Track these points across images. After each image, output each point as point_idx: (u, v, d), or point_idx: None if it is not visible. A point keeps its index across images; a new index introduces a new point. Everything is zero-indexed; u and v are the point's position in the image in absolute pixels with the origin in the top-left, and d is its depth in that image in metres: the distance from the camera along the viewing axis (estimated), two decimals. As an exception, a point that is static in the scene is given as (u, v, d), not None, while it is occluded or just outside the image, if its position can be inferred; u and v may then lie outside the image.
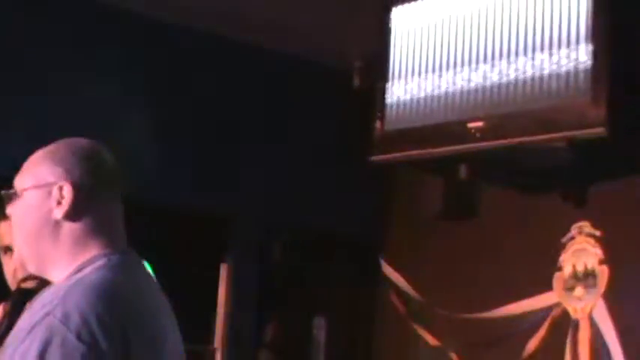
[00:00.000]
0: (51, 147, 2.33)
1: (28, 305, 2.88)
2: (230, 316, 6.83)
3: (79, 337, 2.03)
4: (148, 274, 2.40)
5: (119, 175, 2.38)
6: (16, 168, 2.35)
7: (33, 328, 2.07)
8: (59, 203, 2.25)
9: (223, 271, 6.90)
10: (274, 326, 7.59)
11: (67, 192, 2.25)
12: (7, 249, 3.04)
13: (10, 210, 2.33)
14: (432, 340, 6.38)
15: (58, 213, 2.24)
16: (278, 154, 6.80)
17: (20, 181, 2.31)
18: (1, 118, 5.82)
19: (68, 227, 2.26)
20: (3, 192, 2.33)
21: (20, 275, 2.89)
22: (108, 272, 2.21)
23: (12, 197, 2.31)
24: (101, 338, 2.04)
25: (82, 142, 2.35)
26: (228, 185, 6.69)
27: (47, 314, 2.07)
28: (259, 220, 6.89)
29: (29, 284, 2.64)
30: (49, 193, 2.25)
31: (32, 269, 2.33)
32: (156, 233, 6.46)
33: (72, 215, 2.25)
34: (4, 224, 2.94)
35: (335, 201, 6.90)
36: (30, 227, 2.28)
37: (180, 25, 6.37)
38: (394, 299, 6.78)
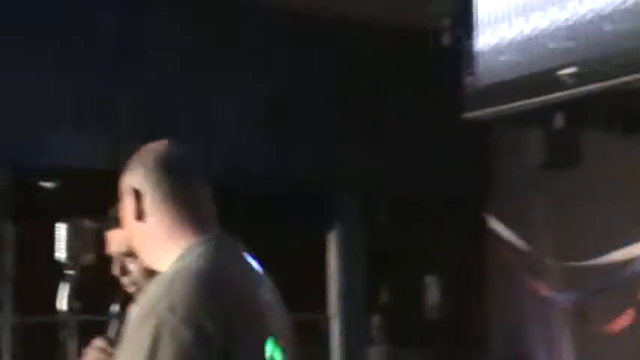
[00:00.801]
0: (136, 154, 2.48)
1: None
2: (342, 284, 6.92)
3: (185, 324, 2.12)
4: (244, 254, 2.46)
5: (199, 167, 2.48)
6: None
7: (144, 318, 2.18)
8: (138, 206, 2.40)
9: (332, 239, 6.98)
10: (386, 290, 7.65)
11: (146, 194, 2.40)
12: (129, 254, 3.18)
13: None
14: (543, 291, 6.36)
15: (139, 215, 2.40)
16: (376, 121, 6.84)
17: (119, 194, 2.50)
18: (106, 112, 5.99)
19: (153, 224, 2.40)
20: (110, 211, 2.47)
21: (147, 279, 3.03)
22: (206, 259, 2.30)
23: (117, 211, 2.56)
24: (206, 323, 2.13)
25: (158, 144, 2.49)
26: (330, 156, 6.78)
27: (155, 305, 2.18)
28: (364, 187, 6.97)
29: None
30: (137, 198, 2.40)
31: (146, 264, 2.50)
32: (265, 208, 6.57)
33: (154, 213, 2.39)
34: (111, 233, 3.08)
35: (436, 162, 6.94)
36: (130, 231, 2.46)
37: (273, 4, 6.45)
38: (503, 253, 6.76)
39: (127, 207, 2.44)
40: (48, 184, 6.26)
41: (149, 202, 2.39)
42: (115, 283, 2.75)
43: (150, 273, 3.02)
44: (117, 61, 6.16)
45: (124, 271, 3.06)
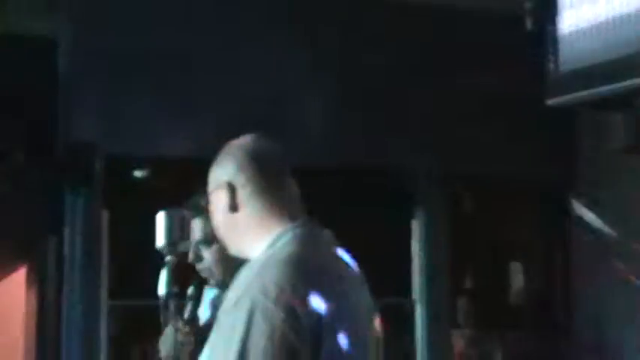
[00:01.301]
0: (224, 150, 2.61)
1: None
2: (426, 268, 6.95)
3: (277, 305, 2.23)
4: (330, 241, 2.55)
5: (284, 159, 2.60)
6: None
7: (238, 300, 2.29)
8: (232, 198, 2.51)
9: (417, 225, 7.02)
10: (471, 275, 7.66)
11: (238, 186, 2.51)
12: (204, 242, 3.30)
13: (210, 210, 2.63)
14: (630, 276, 6.30)
15: (233, 207, 2.51)
16: (461, 108, 6.85)
17: (209, 186, 2.62)
18: (191, 104, 6.12)
19: (246, 215, 2.52)
20: (202, 202, 2.58)
21: (220, 265, 3.15)
22: (296, 245, 2.42)
23: (208, 202, 2.63)
24: (297, 304, 2.24)
25: (248, 139, 2.61)
26: (416, 143, 6.82)
27: (248, 288, 2.29)
28: (449, 174, 6.97)
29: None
30: (225, 191, 2.52)
31: (233, 252, 2.60)
32: (351, 196, 6.64)
33: (246, 204, 2.51)
34: (197, 220, 3.21)
35: (520, 149, 6.90)
36: (219, 222, 2.58)
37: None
38: (588, 238, 6.72)
39: (218, 199, 2.56)
40: (142, 173, 6.39)
41: (242, 195, 2.51)
42: (191, 267, 2.83)
43: (222, 261, 3.14)
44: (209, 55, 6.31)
45: (198, 258, 3.17)
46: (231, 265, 3.11)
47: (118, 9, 6.18)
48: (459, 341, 7.29)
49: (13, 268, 8.32)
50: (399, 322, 6.87)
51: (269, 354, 2.19)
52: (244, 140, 2.60)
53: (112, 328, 6.24)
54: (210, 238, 2.78)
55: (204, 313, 3.41)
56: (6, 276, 8.31)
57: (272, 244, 2.44)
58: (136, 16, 6.23)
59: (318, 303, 2.28)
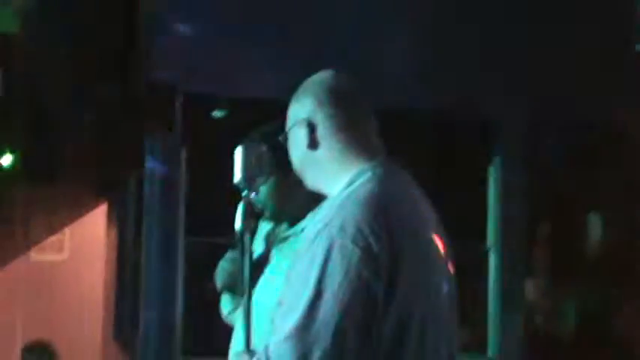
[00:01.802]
0: (302, 85, 2.57)
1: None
2: (502, 215, 6.93)
3: (354, 243, 2.24)
4: (410, 181, 2.53)
5: (364, 96, 2.56)
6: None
7: (315, 238, 2.29)
8: (311, 135, 2.49)
9: (494, 170, 7.00)
10: (547, 224, 7.61)
11: (317, 123, 2.48)
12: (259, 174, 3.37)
13: (288, 146, 2.60)
14: None
15: (311, 144, 2.49)
16: (544, 52, 6.77)
17: (287, 122, 2.59)
18: (274, 44, 6.15)
19: (324, 152, 2.49)
20: (280, 137, 2.60)
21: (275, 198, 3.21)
22: (375, 184, 2.39)
23: (286, 138, 2.59)
24: (373, 243, 2.24)
25: (326, 75, 2.57)
26: (497, 86, 6.77)
27: (326, 226, 2.29)
28: (528, 118, 6.93)
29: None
30: (303, 128, 2.50)
31: (311, 189, 2.58)
32: (427, 138, 6.64)
33: (325, 142, 2.49)
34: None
35: (601, 95, 6.80)
36: (297, 159, 2.56)
37: None
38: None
39: (297, 136, 2.53)
40: (221, 113, 6.45)
41: (321, 132, 2.48)
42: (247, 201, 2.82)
43: (278, 194, 3.16)
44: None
45: (255, 191, 3.22)
46: (288, 198, 3.15)
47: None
48: (532, 290, 7.26)
49: (94, 206, 8.49)
50: (472, 269, 6.88)
51: (345, 291, 2.21)
52: (323, 75, 2.57)
53: (189, 264, 6.33)
54: (267, 170, 2.79)
55: (257, 247, 3.44)
56: (87, 212, 8.48)
57: (350, 182, 2.43)
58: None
59: (394, 243, 2.27)
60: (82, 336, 8.07)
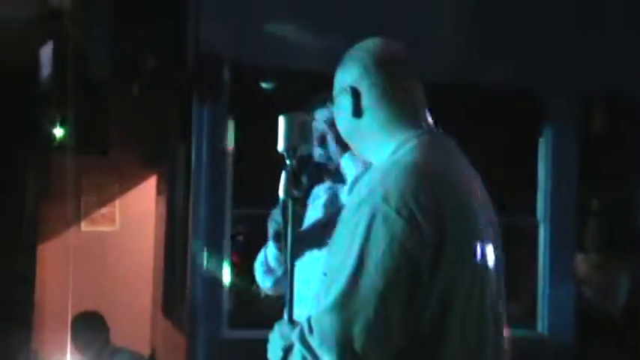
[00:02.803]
0: (350, 52, 2.56)
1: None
2: (552, 188, 6.88)
3: (398, 213, 2.23)
4: (457, 151, 2.52)
5: (413, 67, 2.55)
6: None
7: (360, 205, 2.29)
8: (356, 103, 2.49)
9: (543, 143, 6.94)
10: (598, 197, 7.54)
11: (363, 91, 2.48)
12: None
13: (334, 112, 2.63)
14: None
15: (356, 112, 2.49)
16: (591, 28, 6.75)
17: (334, 89, 2.59)
18: (322, 15, 6.12)
19: (370, 120, 2.49)
20: (328, 103, 2.59)
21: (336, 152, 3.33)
22: (420, 152, 2.39)
23: (333, 103, 2.61)
24: (418, 213, 2.23)
25: (373, 42, 2.56)
26: (547, 61, 6.72)
27: (370, 194, 2.29)
28: (579, 92, 6.88)
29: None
30: (349, 96, 2.50)
31: (358, 155, 2.64)
32: (477, 109, 6.60)
33: (370, 109, 2.48)
34: (318, 112, 3.31)
35: None
36: (342, 126, 2.57)
37: None
38: None
39: (342, 103, 2.53)
40: (269, 84, 6.44)
41: (366, 100, 2.48)
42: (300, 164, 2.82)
43: (345, 149, 3.17)
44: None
45: (324, 142, 3.19)
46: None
47: None
48: (582, 264, 7.21)
49: (145, 175, 8.54)
50: (521, 242, 6.85)
51: (387, 260, 2.20)
52: (370, 43, 2.56)
53: (233, 235, 6.36)
54: (309, 139, 2.80)
55: (316, 213, 3.44)
56: (137, 185, 8.54)
57: (395, 151, 2.42)
58: None
59: (440, 213, 2.25)
60: (131, 306, 8.14)
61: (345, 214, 2.35)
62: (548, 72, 6.76)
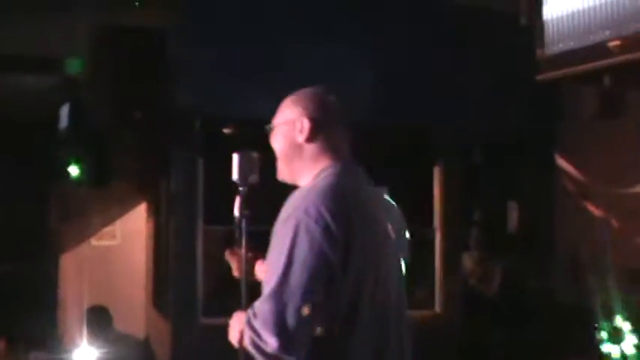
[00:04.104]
0: (293, 95, 2.51)
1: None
2: (444, 203, 6.90)
3: (316, 223, 2.21)
4: (364, 177, 2.48)
5: (342, 110, 2.51)
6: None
7: (287, 219, 2.27)
8: (301, 132, 2.42)
9: (436, 171, 6.98)
10: (479, 210, 7.60)
11: (305, 124, 2.42)
12: None
13: (271, 140, 2.53)
14: (596, 212, 6.21)
15: (300, 138, 2.42)
16: (469, 81, 6.75)
17: (275, 120, 2.52)
18: (271, 78, 6.12)
19: (307, 148, 2.44)
20: (267, 127, 2.54)
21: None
22: (335, 177, 2.36)
23: (271, 131, 2.52)
24: (331, 223, 2.21)
25: (314, 89, 2.52)
26: (437, 108, 6.73)
27: (295, 209, 2.27)
28: (462, 131, 6.88)
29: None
30: (293, 126, 2.43)
31: (286, 179, 2.52)
32: (388, 145, 6.61)
33: (310, 139, 2.43)
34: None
35: (517, 112, 6.79)
36: (282, 150, 2.48)
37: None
38: (567, 183, 6.63)
39: (283, 132, 2.45)
40: (230, 130, 6.41)
41: (306, 132, 2.41)
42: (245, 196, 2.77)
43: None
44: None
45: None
46: None
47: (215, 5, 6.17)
48: (468, 261, 7.24)
49: (138, 202, 8.45)
50: (422, 245, 6.85)
51: (309, 260, 2.18)
52: (311, 89, 2.51)
53: (207, 247, 6.27)
54: (256, 171, 2.73)
55: None
56: (132, 209, 8.45)
57: (318, 175, 2.39)
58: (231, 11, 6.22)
59: (349, 223, 2.23)
60: (129, 301, 8.03)
61: (277, 226, 2.32)
62: (440, 117, 6.77)
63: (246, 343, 2.22)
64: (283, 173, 2.51)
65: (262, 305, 2.19)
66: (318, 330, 2.20)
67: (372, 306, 2.28)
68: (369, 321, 2.26)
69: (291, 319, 2.14)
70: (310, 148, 2.42)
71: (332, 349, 2.22)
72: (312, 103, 2.44)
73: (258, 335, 2.17)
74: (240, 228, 2.67)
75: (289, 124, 2.44)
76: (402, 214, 2.56)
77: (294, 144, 2.44)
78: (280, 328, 2.14)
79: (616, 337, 5.22)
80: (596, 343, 5.36)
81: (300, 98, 2.46)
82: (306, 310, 2.15)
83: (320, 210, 2.22)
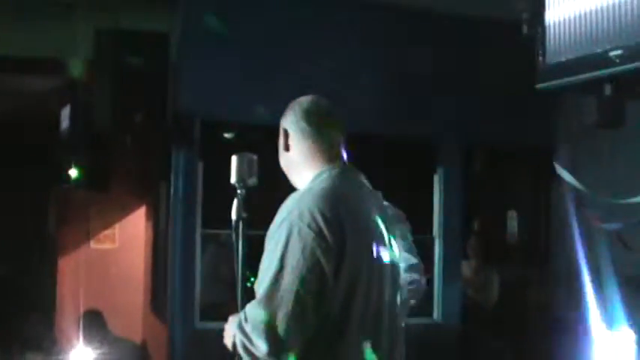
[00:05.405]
0: (290, 104, 2.57)
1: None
2: (444, 213, 6.89)
3: (309, 227, 2.23)
4: (361, 182, 2.51)
5: (335, 115, 2.55)
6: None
7: (282, 222, 2.29)
8: (285, 141, 2.52)
9: (437, 179, 6.97)
10: (478, 219, 7.59)
11: (292, 133, 2.50)
12: None
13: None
14: (595, 221, 6.19)
15: (287, 147, 2.51)
16: (471, 89, 6.75)
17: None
18: (271, 83, 6.10)
19: (292, 156, 2.51)
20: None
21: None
22: (329, 181, 2.39)
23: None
24: (324, 227, 2.23)
25: (309, 98, 2.57)
26: (437, 117, 6.74)
27: (289, 214, 2.29)
28: (463, 140, 6.89)
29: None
30: (285, 135, 2.51)
31: (293, 184, 2.57)
32: (388, 153, 6.61)
33: (296, 147, 2.49)
34: None
35: (518, 121, 6.77)
36: (280, 160, 2.58)
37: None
38: (566, 193, 6.61)
39: (279, 141, 2.54)
40: (229, 134, 6.41)
41: (292, 139, 2.49)
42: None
43: None
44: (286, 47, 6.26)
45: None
46: None
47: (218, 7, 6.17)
48: (466, 269, 7.23)
49: (136, 207, 8.44)
50: (421, 252, 6.83)
51: (301, 263, 2.20)
52: (303, 98, 2.57)
53: (205, 249, 6.25)
54: (255, 173, 2.76)
55: None
56: (131, 212, 8.44)
57: (313, 180, 2.42)
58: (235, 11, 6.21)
59: (341, 228, 2.24)
60: (127, 305, 8.04)
61: (271, 229, 2.33)
62: (440, 126, 6.77)
63: (238, 346, 2.23)
64: (289, 179, 2.59)
65: (253, 309, 2.20)
66: (309, 334, 2.20)
67: (365, 311, 2.29)
68: (360, 326, 2.27)
69: (281, 324, 2.15)
70: (295, 156, 2.48)
71: (323, 352, 2.22)
72: (291, 113, 2.51)
73: (249, 339, 2.18)
74: (237, 231, 2.67)
75: (282, 134, 2.53)
76: (404, 217, 2.55)
77: (282, 153, 2.54)
78: (270, 332, 2.15)
79: (614, 346, 5.20)
80: (593, 353, 5.34)
81: (291, 108, 2.54)
82: (296, 315, 2.15)
83: (314, 215, 2.23)
